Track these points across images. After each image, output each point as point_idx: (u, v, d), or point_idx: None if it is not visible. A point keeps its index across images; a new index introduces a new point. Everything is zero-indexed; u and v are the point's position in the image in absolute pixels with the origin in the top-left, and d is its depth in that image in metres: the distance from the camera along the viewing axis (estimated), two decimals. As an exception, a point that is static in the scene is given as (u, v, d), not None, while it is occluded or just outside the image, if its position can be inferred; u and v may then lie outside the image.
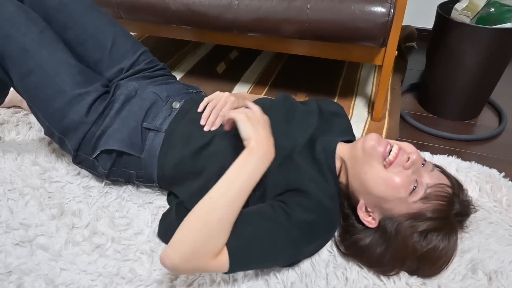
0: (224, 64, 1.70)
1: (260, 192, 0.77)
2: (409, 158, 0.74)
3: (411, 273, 0.77)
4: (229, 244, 0.67)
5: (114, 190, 0.98)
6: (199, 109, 0.89)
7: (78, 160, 0.94)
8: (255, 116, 0.74)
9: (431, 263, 0.74)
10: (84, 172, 1.03)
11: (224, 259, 0.67)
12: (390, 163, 0.74)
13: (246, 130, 0.72)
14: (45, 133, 0.96)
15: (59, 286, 0.76)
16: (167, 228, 0.84)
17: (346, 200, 0.83)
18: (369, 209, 0.79)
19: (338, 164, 0.84)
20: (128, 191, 0.98)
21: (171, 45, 1.87)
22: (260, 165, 0.71)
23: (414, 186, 0.73)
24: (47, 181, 1.01)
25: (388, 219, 0.75)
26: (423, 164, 0.76)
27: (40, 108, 0.91)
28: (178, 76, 1.59)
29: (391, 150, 0.75)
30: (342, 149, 0.84)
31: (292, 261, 0.78)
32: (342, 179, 0.83)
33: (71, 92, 0.88)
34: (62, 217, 0.91)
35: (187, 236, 0.65)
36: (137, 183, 0.97)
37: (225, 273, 0.69)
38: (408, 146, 0.78)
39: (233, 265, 0.67)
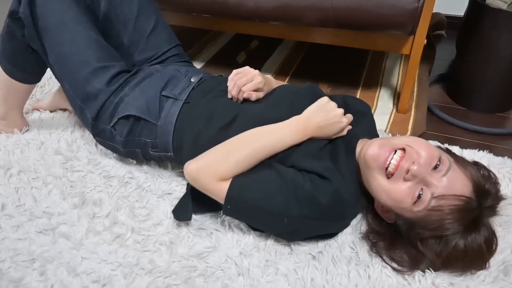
0: (244, 53, 1.68)
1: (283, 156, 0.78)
2: (409, 170, 0.67)
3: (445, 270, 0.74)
4: (234, 178, 0.74)
5: (134, 180, 0.98)
6: (229, 81, 0.88)
7: (97, 130, 0.95)
8: (331, 106, 0.78)
9: (462, 263, 0.70)
10: (105, 161, 1.04)
11: (225, 186, 0.74)
12: (391, 175, 0.70)
13: (312, 107, 0.78)
14: (70, 104, 1.00)
15: (81, 274, 0.77)
16: (181, 203, 0.86)
17: (365, 195, 0.81)
18: (385, 208, 0.77)
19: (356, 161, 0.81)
20: (148, 181, 0.98)
21: (191, 35, 1.85)
22: (292, 135, 0.76)
23: (420, 194, 0.67)
24: (69, 170, 1.02)
25: (401, 219, 0.74)
26: (437, 165, 0.68)
27: (66, 76, 0.94)
28: (198, 66, 1.58)
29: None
30: (358, 148, 0.81)
31: (287, 229, 0.75)
32: (360, 178, 0.80)
33: (97, 64, 0.92)
34: (84, 206, 0.92)
35: (208, 154, 0.76)
36: (152, 153, 0.95)
37: (223, 211, 0.77)
38: (418, 147, 0.69)
39: (229, 197, 0.74)
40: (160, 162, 1.03)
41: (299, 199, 0.72)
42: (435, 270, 0.74)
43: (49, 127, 1.19)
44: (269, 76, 0.94)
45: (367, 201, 0.83)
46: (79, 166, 1.03)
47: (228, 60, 1.63)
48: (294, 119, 0.77)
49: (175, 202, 0.92)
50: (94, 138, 0.99)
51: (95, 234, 0.85)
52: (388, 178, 0.71)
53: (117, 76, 0.94)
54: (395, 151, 0.70)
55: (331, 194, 0.73)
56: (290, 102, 0.84)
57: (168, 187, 0.97)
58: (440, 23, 1.76)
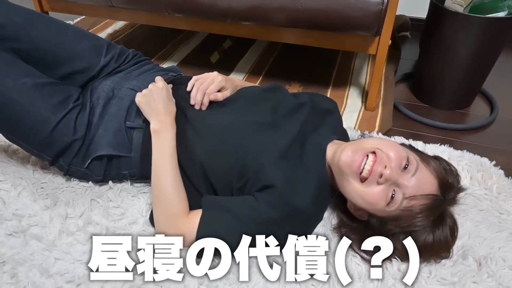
0: (217, 53, 1.69)
1: (241, 184, 0.78)
2: (382, 174, 0.70)
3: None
4: (197, 232, 0.74)
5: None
6: (188, 88, 0.88)
7: (70, 173, 0.93)
8: (151, 94, 0.84)
9: (429, 254, 0.75)
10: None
11: (185, 223, 0.76)
12: (365, 179, 0.73)
13: (144, 113, 0.85)
14: (34, 156, 0.94)
15: (54, 275, 0.76)
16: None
17: (337, 195, 0.84)
18: (357, 207, 0.80)
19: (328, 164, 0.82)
20: (122, 181, 0.98)
21: (164, 35, 1.84)
22: (164, 137, 0.82)
23: (392, 195, 0.71)
24: (39, 171, 1.00)
25: (374, 218, 0.77)
26: (406, 165, 0.71)
27: (23, 139, 0.88)
28: (173, 64, 1.57)
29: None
30: (329, 151, 0.82)
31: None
32: (331, 180, 0.82)
33: (54, 118, 0.84)
34: (56, 208, 0.91)
35: (155, 212, 0.80)
36: (131, 181, 0.96)
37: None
38: (387, 150, 0.72)
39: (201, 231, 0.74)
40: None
41: (263, 229, 0.73)
42: (402, 260, 0.79)
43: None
44: (232, 77, 0.95)
45: (340, 200, 0.85)
46: (49, 168, 1.01)
47: (201, 60, 1.63)
48: (152, 129, 0.83)
49: (151, 200, 0.92)
50: (65, 176, 0.96)
51: (68, 234, 0.84)
52: (362, 182, 0.73)
53: (77, 118, 0.87)
54: (367, 155, 0.73)
55: (285, 209, 0.74)
56: (254, 105, 0.86)
57: (143, 186, 0.97)
58: (405, 25, 1.84)
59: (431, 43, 1.28)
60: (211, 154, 0.80)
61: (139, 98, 0.85)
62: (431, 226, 0.72)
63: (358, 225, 0.81)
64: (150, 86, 0.85)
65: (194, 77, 0.89)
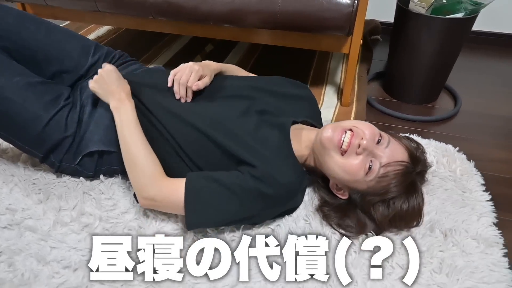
0: (199, 57, 1.75)
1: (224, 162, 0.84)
2: (360, 145, 0.78)
3: (392, 231, 0.86)
4: (186, 204, 0.78)
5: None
6: (169, 84, 0.90)
7: (61, 169, 0.96)
8: (102, 78, 0.90)
9: (403, 221, 0.83)
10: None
11: (168, 184, 0.82)
12: (345, 152, 0.81)
13: (101, 97, 0.91)
14: (26, 153, 0.96)
15: (51, 262, 0.79)
16: None
17: (320, 178, 0.92)
18: (339, 186, 0.88)
19: (300, 146, 0.89)
20: (113, 176, 1.02)
21: (147, 39, 1.89)
22: (125, 111, 0.87)
23: (370, 166, 0.79)
24: (30, 169, 1.02)
25: (355, 193, 0.84)
26: (379, 140, 0.80)
27: (15, 136, 0.90)
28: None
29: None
30: (306, 133, 0.90)
31: (248, 222, 0.86)
32: (310, 161, 0.90)
33: (46, 115, 0.87)
34: (49, 201, 0.93)
35: (133, 179, 0.85)
36: (122, 175, 1.00)
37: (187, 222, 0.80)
38: (362, 127, 0.80)
39: (190, 223, 0.79)
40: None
41: (250, 198, 0.80)
42: (377, 234, 0.86)
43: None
44: (206, 61, 0.97)
45: (323, 182, 0.92)
46: (41, 165, 1.04)
47: (184, 63, 1.69)
48: (112, 108, 0.88)
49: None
50: (57, 172, 0.98)
51: (62, 225, 0.88)
52: (342, 155, 0.81)
53: (68, 115, 0.91)
54: (345, 132, 0.81)
55: (268, 180, 0.80)
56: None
57: (133, 178, 1.01)
58: (376, 28, 1.96)
59: (399, 43, 1.39)
60: (188, 137, 0.86)
61: (92, 84, 0.90)
62: (406, 193, 0.80)
63: (340, 204, 0.88)
64: (99, 71, 0.90)
65: (172, 72, 0.91)
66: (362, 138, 0.79)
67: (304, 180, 0.90)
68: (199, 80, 0.90)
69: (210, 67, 0.96)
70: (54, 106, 0.89)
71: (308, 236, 0.78)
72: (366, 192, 0.82)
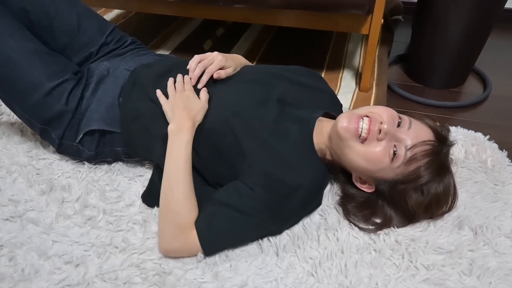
0: (210, 41, 1.68)
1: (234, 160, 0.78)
2: (380, 130, 0.72)
3: (427, 219, 0.80)
4: (200, 236, 0.72)
5: (104, 166, 0.97)
6: (188, 66, 0.86)
7: (62, 148, 0.93)
8: (175, 99, 0.81)
9: (440, 206, 0.76)
10: (72, 148, 1.02)
11: (194, 237, 0.73)
12: (365, 140, 0.74)
13: (167, 117, 0.80)
14: (26, 123, 0.94)
15: (52, 257, 0.76)
16: (149, 188, 0.88)
17: (341, 172, 0.84)
18: (363, 179, 0.81)
19: (320, 141, 0.82)
20: (118, 165, 0.97)
21: (158, 23, 1.83)
22: (180, 140, 0.76)
23: (395, 151, 0.72)
24: (34, 158, 0.99)
25: (382, 184, 0.77)
26: (399, 122, 0.74)
27: (16, 101, 0.88)
28: (165, 54, 1.57)
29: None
30: (326, 127, 0.83)
31: (268, 235, 0.79)
32: (328, 155, 0.83)
33: (49, 83, 0.85)
34: (52, 192, 0.90)
35: (162, 225, 0.74)
36: (125, 159, 0.96)
37: (204, 253, 0.74)
38: (379, 111, 0.74)
39: (207, 253, 0.74)
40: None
41: (265, 216, 0.74)
42: (403, 225, 0.80)
43: (11, 118, 1.14)
44: (235, 55, 0.94)
45: (345, 177, 0.85)
46: (44, 154, 1.01)
47: (194, 47, 1.62)
48: (169, 131, 0.78)
49: (147, 183, 0.92)
50: (60, 153, 0.96)
51: (65, 218, 0.84)
52: (363, 143, 0.74)
53: (72, 90, 0.88)
54: (362, 118, 0.74)
55: (280, 189, 0.74)
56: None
57: (139, 169, 0.97)
58: (397, 8, 1.84)
59: (424, 22, 1.28)
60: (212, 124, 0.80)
61: (164, 103, 0.82)
62: (439, 175, 0.73)
63: (365, 199, 0.81)
64: (177, 93, 0.82)
65: (197, 56, 0.87)
66: (381, 123, 0.72)
67: (326, 180, 0.83)
68: (221, 69, 0.85)
69: (237, 60, 0.92)
70: (59, 77, 0.87)
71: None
72: (395, 180, 0.74)
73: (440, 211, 0.78)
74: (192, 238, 0.73)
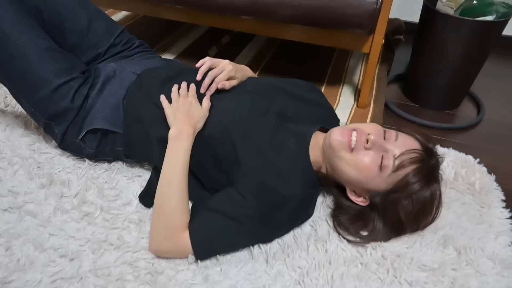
0: (215, 48, 1.72)
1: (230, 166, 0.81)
2: (368, 140, 0.76)
3: (413, 230, 0.83)
4: (192, 241, 0.74)
5: (104, 164, 1.00)
6: (198, 65, 0.87)
7: (64, 144, 0.95)
8: (178, 104, 0.83)
9: (426, 215, 0.79)
10: (73, 144, 1.04)
11: (186, 238, 0.75)
12: (353, 148, 0.77)
13: (169, 122, 0.82)
14: (31, 116, 0.96)
15: (48, 250, 0.78)
16: (147, 189, 0.90)
17: (335, 186, 0.88)
18: (357, 192, 0.83)
19: (316, 154, 0.84)
20: (118, 165, 1.00)
21: (165, 27, 1.87)
22: (178, 146, 0.79)
23: (383, 162, 0.75)
24: (36, 152, 1.02)
25: (375, 195, 0.79)
26: (385, 136, 0.78)
27: (24, 95, 0.91)
28: (170, 58, 1.60)
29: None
30: (320, 141, 0.85)
31: (258, 243, 0.81)
32: (323, 169, 0.86)
33: (57, 80, 0.88)
34: (51, 186, 0.92)
35: (154, 226, 0.77)
36: (125, 160, 0.99)
37: (196, 257, 0.76)
38: (367, 127, 0.79)
39: (199, 256, 0.76)
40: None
41: (258, 224, 0.76)
42: (390, 238, 0.82)
43: (15, 110, 1.17)
44: (242, 66, 0.97)
45: (340, 191, 0.88)
46: (46, 149, 1.03)
47: (199, 53, 1.66)
48: (169, 136, 0.80)
49: (145, 183, 0.94)
50: (62, 149, 0.98)
51: (63, 212, 0.86)
52: (352, 152, 0.77)
53: (79, 89, 0.91)
54: (352, 131, 0.78)
55: (271, 196, 0.76)
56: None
57: (138, 169, 0.99)
58: (399, 28, 1.88)
59: (423, 44, 1.32)
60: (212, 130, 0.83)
61: (167, 110, 0.83)
62: (427, 184, 0.75)
63: (359, 212, 0.84)
64: (180, 98, 0.84)
65: (208, 59, 0.88)
66: (368, 134, 0.76)
67: (316, 192, 0.86)
68: (228, 79, 0.88)
69: (244, 72, 0.95)
70: (67, 75, 0.90)
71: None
72: (387, 191, 0.77)
73: (425, 221, 0.81)
74: (182, 241, 0.75)
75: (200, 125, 0.82)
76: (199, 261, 0.77)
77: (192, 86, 0.88)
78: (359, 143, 0.76)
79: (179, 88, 0.88)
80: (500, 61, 1.75)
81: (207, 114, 0.84)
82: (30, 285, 0.71)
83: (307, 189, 0.81)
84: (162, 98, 0.86)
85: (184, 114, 0.81)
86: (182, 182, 0.78)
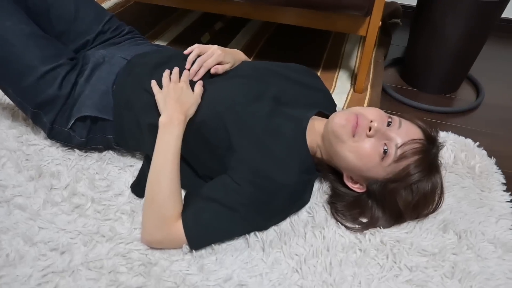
0: (208, 34, 1.68)
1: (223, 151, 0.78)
2: (370, 127, 0.73)
3: (413, 219, 0.82)
4: (186, 230, 0.73)
5: (94, 154, 0.97)
6: (186, 52, 0.86)
7: (54, 133, 0.92)
8: (168, 90, 0.80)
9: (427, 205, 0.77)
10: (63, 135, 1.02)
11: (180, 228, 0.73)
12: (355, 134, 0.74)
13: (159, 108, 0.80)
14: (18, 106, 0.93)
15: (38, 243, 0.75)
16: (139, 179, 0.87)
17: (331, 172, 0.85)
18: (354, 179, 0.81)
19: (312, 139, 0.82)
20: (109, 155, 0.97)
21: (157, 13, 1.82)
22: (170, 133, 0.76)
23: (385, 150, 0.73)
24: (24, 144, 0.98)
25: (374, 183, 0.77)
26: (389, 122, 0.75)
27: (9, 83, 0.88)
28: (162, 44, 1.56)
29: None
30: (319, 126, 0.83)
31: (254, 231, 0.79)
32: (318, 154, 0.83)
33: (43, 67, 0.85)
34: (41, 179, 0.90)
35: (143, 216, 0.75)
36: (116, 148, 0.96)
37: (190, 247, 0.74)
38: (370, 112, 0.76)
39: (193, 246, 0.74)
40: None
41: (253, 211, 0.74)
42: (390, 226, 0.81)
43: (1, 101, 1.13)
44: (235, 50, 0.94)
45: (337, 177, 0.85)
46: (35, 140, 1.00)
47: (192, 40, 1.62)
48: (160, 123, 0.77)
49: (137, 173, 0.91)
50: (51, 139, 0.95)
51: (53, 205, 0.84)
52: (353, 137, 0.74)
53: (66, 76, 0.88)
54: (356, 116, 0.75)
55: (268, 186, 0.74)
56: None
57: (129, 159, 0.97)
58: (396, 11, 1.85)
59: (421, 27, 1.29)
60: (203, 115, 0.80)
61: (158, 96, 0.81)
62: (428, 175, 0.73)
63: (355, 198, 0.82)
64: (171, 84, 0.81)
65: (196, 46, 0.87)
66: (371, 121, 0.73)
67: (313, 178, 0.84)
68: (219, 64, 0.86)
69: (236, 55, 0.92)
70: (53, 61, 0.87)
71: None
72: (386, 179, 0.75)
73: (426, 211, 0.79)
74: (175, 230, 0.73)
75: (191, 112, 0.79)
76: (193, 250, 0.75)
77: (185, 72, 0.85)
78: (361, 128, 0.73)
79: (170, 74, 0.84)
80: (499, 44, 1.72)
81: (199, 100, 0.81)
82: (20, 280, 0.69)
83: (303, 175, 0.78)
84: (153, 83, 0.83)
85: (174, 100, 0.78)
86: (174, 171, 0.75)
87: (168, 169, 0.75)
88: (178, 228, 0.73)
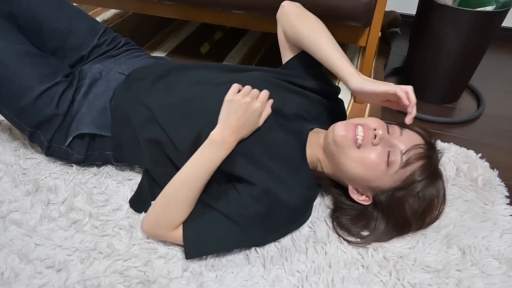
0: (207, 44, 1.67)
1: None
2: (375, 135, 0.73)
3: (418, 228, 0.81)
4: (184, 235, 0.73)
5: (92, 168, 0.96)
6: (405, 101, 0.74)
7: (51, 151, 0.91)
8: (239, 105, 0.73)
9: (431, 211, 0.77)
10: (61, 148, 1.00)
11: (180, 234, 0.74)
12: (361, 145, 0.74)
13: (220, 115, 0.75)
14: (14, 126, 0.92)
15: (34, 261, 0.74)
16: (138, 193, 0.87)
17: (334, 186, 0.84)
18: (360, 190, 0.80)
19: (313, 153, 0.81)
20: (107, 168, 0.96)
21: (155, 24, 1.82)
22: (215, 152, 0.74)
23: (388, 158, 0.72)
24: (21, 157, 0.97)
25: (381, 193, 0.76)
26: (389, 132, 0.75)
27: (5, 104, 0.86)
28: (161, 55, 1.55)
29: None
30: (319, 138, 0.82)
31: (252, 245, 0.79)
32: (319, 168, 0.82)
33: (40, 87, 0.84)
34: (37, 193, 0.88)
35: (153, 209, 0.76)
36: (115, 164, 0.95)
37: (187, 255, 0.74)
38: (372, 122, 0.76)
39: (189, 254, 0.74)
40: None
41: (252, 225, 0.73)
42: (392, 237, 0.80)
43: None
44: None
45: (341, 190, 0.84)
46: (32, 154, 0.99)
47: (191, 50, 1.61)
48: (211, 136, 0.74)
49: (136, 187, 0.90)
50: (48, 156, 0.94)
51: (49, 220, 0.82)
52: (359, 149, 0.74)
53: (63, 93, 0.87)
54: (357, 127, 0.75)
55: (270, 201, 0.73)
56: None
57: (128, 173, 0.95)
58: (395, 20, 1.85)
59: (421, 36, 1.29)
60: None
61: (229, 97, 0.74)
62: (433, 180, 0.73)
63: (361, 211, 0.80)
64: (248, 98, 0.74)
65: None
66: (375, 129, 0.73)
67: (315, 194, 0.83)
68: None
69: None
70: (50, 80, 0.86)
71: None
72: (393, 188, 0.74)
73: (430, 218, 0.78)
74: (174, 234, 0.75)
75: (244, 137, 0.76)
76: (193, 267, 0.73)
77: (267, 92, 0.77)
78: (367, 139, 0.73)
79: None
80: (500, 53, 1.72)
81: (259, 125, 0.77)
82: (15, 299, 0.68)
83: (304, 191, 0.77)
84: (235, 86, 0.76)
85: (237, 118, 0.73)
86: (198, 187, 0.75)
87: (194, 181, 0.74)
88: (177, 233, 0.74)
